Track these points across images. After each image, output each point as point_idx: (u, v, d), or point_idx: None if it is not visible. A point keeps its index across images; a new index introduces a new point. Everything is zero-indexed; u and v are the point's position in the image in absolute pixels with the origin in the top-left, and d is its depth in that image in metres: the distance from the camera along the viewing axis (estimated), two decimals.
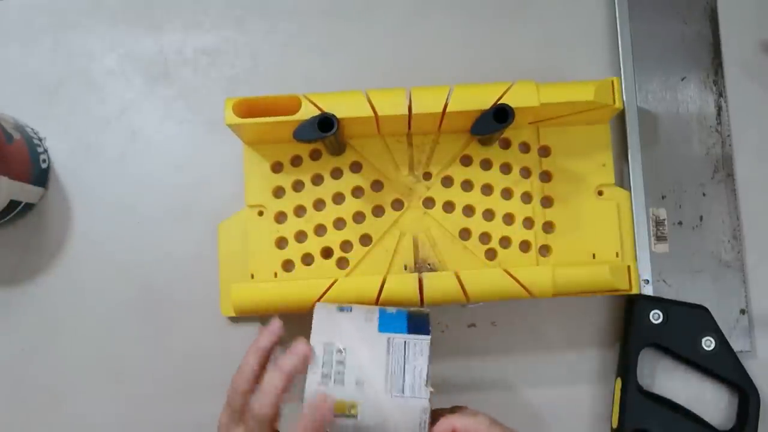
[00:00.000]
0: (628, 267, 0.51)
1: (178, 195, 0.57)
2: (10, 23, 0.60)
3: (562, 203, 0.54)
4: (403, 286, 0.49)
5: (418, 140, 0.55)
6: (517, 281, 0.49)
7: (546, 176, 0.55)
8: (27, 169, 0.53)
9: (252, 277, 0.53)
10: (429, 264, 0.53)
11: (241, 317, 0.54)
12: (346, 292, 0.49)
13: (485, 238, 0.54)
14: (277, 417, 0.41)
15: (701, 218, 0.56)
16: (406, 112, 0.50)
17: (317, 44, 0.59)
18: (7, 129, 0.52)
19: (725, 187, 0.56)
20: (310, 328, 0.43)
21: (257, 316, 0.55)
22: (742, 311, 0.54)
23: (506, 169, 0.55)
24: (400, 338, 0.41)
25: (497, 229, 0.53)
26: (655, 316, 0.52)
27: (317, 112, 0.49)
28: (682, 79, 0.58)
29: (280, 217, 0.54)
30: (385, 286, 0.49)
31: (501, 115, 0.48)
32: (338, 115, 0.48)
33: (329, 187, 0.54)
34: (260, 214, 0.54)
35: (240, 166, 0.54)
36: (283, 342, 0.45)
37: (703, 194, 0.56)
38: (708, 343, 0.52)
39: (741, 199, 0.57)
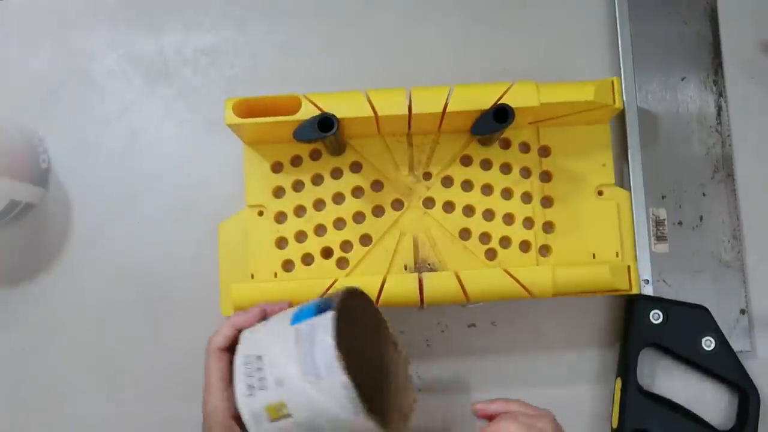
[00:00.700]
0: (628, 267, 0.51)
1: (178, 195, 0.57)
2: (11, 23, 0.60)
3: (562, 203, 0.54)
4: (403, 286, 0.49)
5: (418, 140, 0.55)
6: (517, 281, 0.49)
7: (546, 176, 0.55)
8: (27, 169, 0.53)
9: (252, 277, 0.53)
10: (429, 264, 0.53)
11: None
12: None
13: (485, 238, 0.54)
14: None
15: (701, 218, 0.56)
16: (406, 112, 0.50)
17: (317, 44, 0.59)
18: (7, 129, 0.52)
19: (725, 187, 0.56)
20: None
21: None
22: (742, 311, 0.54)
23: (506, 169, 0.55)
24: (306, 324, 0.40)
25: (497, 229, 0.53)
26: (655, 316, 0.52)
27: (317, 112, 0.49)
28: (682, 79, 0.58)
29: (280, 217, 0.54)
30: (385, 286, 0.49)
31: (501, 115, 0.48)
32: (338, 115, 0.48)
33: (329, 187, 0.54)
34: (260, 214, 0.54)
35: (240, 166, 0.54)
36: None
37: (703, 194, 0.56)
38: (708, 343, 0.52)
39: (741, 199, 0.57)
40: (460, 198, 0.54)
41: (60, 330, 0.56)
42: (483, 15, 0.60)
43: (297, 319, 0.41)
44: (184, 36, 0.60)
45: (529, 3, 0.60)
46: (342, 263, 0.53)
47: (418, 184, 0.54)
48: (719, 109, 0.58)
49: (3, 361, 0.55)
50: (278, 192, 0.54)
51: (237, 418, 0.40)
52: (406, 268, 0.53)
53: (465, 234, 0.54)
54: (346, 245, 0.53)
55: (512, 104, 0.48)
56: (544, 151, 0.55)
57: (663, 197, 0.55)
